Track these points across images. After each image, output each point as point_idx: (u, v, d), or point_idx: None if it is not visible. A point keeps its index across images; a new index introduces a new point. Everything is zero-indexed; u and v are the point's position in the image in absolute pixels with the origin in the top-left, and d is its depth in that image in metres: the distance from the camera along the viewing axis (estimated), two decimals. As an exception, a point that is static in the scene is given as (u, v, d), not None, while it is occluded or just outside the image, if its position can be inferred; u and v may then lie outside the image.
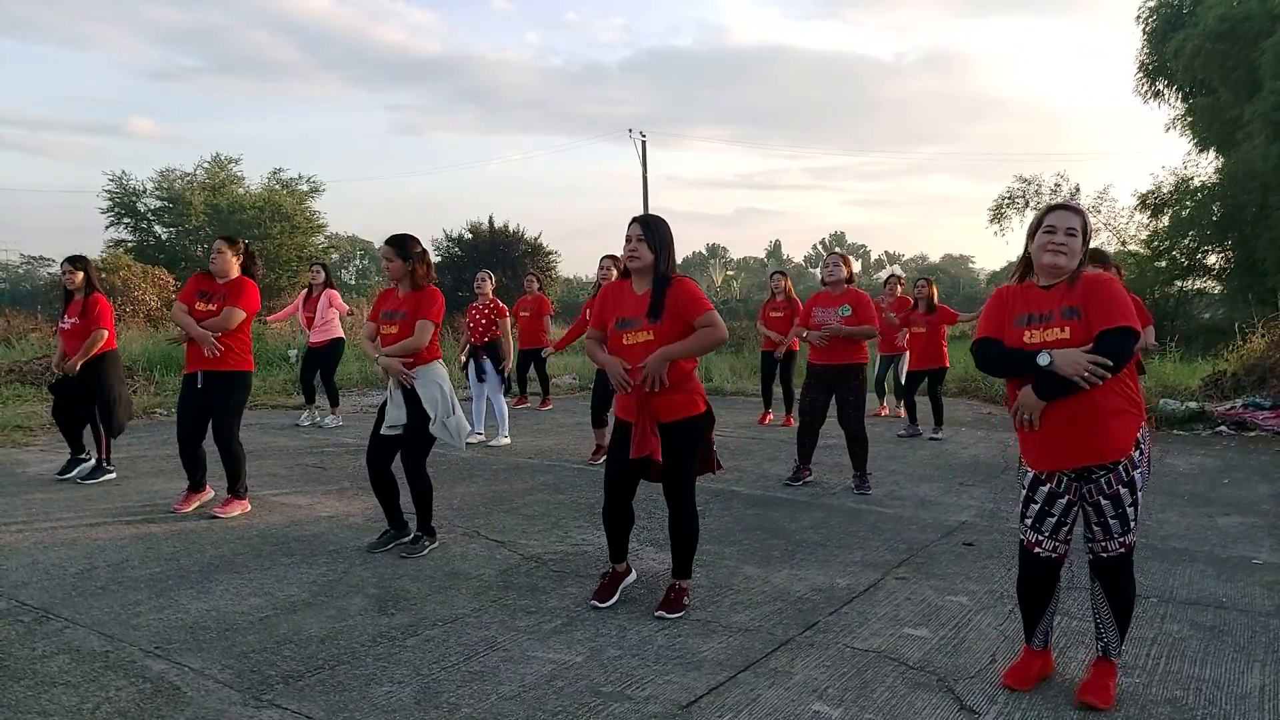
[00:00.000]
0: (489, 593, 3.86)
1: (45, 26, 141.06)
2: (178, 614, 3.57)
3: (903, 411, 9.43)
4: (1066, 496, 2.82)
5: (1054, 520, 2.84)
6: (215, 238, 5.53)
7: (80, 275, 6.10)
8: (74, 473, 6.23)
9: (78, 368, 5.93)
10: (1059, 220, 2.77)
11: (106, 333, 6.04)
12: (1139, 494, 2.77)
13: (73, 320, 6.07)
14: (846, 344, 5.92)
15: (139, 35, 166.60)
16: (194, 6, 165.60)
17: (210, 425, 5.20)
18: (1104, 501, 2.75)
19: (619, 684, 2.94)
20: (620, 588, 3.78)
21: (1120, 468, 2.73)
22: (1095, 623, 2.90)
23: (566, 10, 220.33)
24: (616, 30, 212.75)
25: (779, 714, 2.74)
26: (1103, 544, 2.80)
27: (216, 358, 5.11)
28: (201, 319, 5.14)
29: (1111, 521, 2.76)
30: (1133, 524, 2.78)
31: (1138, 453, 2.76)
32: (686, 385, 3.53)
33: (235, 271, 5.29)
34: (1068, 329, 2.70)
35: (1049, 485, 2.83)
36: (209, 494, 5.39)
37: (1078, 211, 2.84)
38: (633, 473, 3.62)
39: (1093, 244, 3.00)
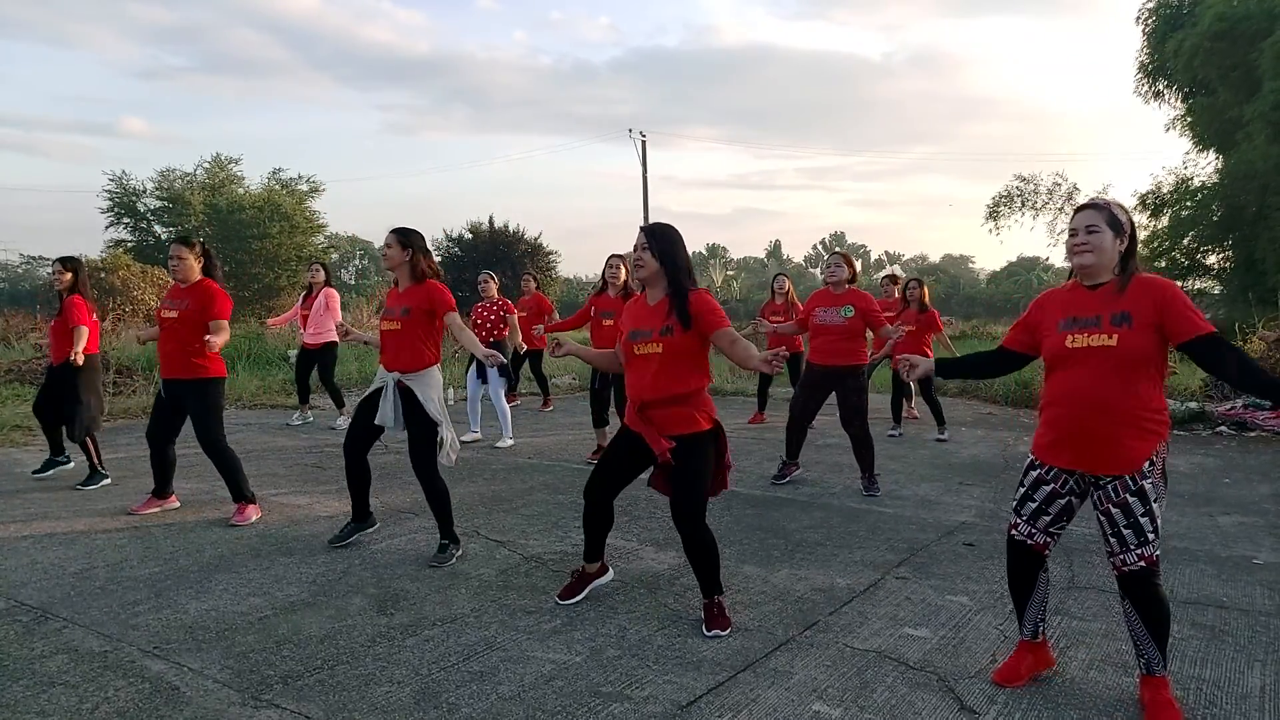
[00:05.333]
0: (489, 593, 3.86)
1: (32, 25, 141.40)
2: (176, 614, 3.56)
3: (915, 412, 9.57)
4: (1052, 486, 2.80)
5: (1034, 506, 2.84)
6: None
7: (69, 276, 6.04)
8: (51, 472, 6.24)
9: (79, 360, 5.82)
10: (1079, 220, 2.75)
11: (86, 329, 5.91)
12: (1153, 505, 2.65)
13: (53, 320, 6.16)
14: (846, 344, 5.90)
15: (126, 34, 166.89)
16: (180, 5, 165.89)
17: (194, 432, 5.05)
18: (1114, 510, 2.67)
19: (619, 684, 2.93)
20: (589, 587, 3.76)
21: (1127, 477, 2.65)
22: (1133, 641, 2.76)
23: (551, 9, 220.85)
24: (603, 29, 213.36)
25: (779, 714, 2.73)
26: (1120, 556, 2.69)
27: (184, 365, 4.95)
28: (167, 326, 5.01)
29: (1125, 532, 2.66)
30: (1150, 536, 2.64)
31: (1147, 464, 2.65)
32: (691, 400, 3.39)
33: (197, 275, 5.08)
34: (1115, 336, 2.63)
35: (1038, 473, 2.83)
36: (174, 503, 5.32)
37: (1099, 207, 2.76)
38: (618, 477, 3.58)
39: None
